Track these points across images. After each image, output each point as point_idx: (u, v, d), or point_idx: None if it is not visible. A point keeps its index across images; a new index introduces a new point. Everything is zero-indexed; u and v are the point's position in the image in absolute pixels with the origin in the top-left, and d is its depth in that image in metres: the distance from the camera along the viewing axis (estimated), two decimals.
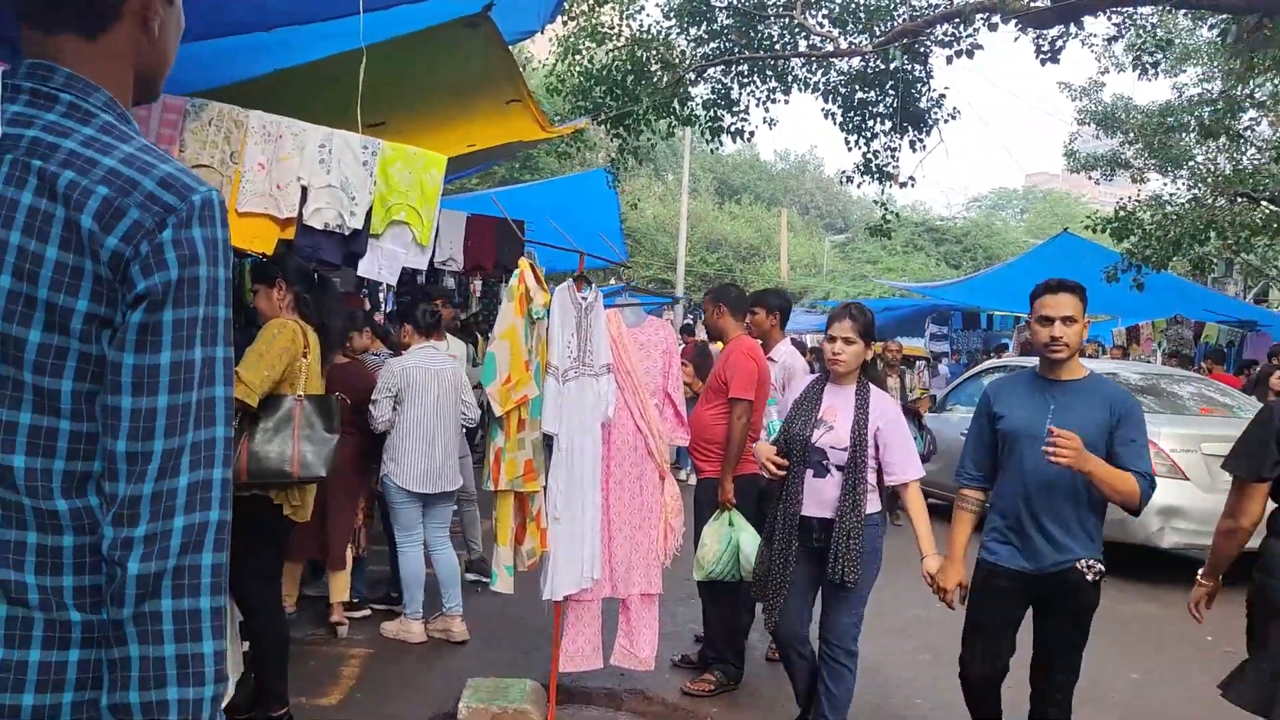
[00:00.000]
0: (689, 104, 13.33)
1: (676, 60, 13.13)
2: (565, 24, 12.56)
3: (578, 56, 12.62)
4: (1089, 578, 3.10)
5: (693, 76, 13.07)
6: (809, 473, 3.59)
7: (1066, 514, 3.12)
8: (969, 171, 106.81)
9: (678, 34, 13.40)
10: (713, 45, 13.19)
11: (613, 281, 26.94)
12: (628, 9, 12.58)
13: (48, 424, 1.07)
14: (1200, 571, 3.18)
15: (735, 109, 13.51)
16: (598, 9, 12.50)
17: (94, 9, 1.15)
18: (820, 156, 47.60)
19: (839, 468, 3.55)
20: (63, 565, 1.07)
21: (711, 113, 13.48)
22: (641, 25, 12.73)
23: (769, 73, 13.29)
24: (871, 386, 3.70)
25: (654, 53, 12.79)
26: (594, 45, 12.68)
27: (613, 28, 12.61)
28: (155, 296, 1.06)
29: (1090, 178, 22.94)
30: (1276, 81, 12.96)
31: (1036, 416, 3.16)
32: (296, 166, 3.42)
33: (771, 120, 13.79)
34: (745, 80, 13.42)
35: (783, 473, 3.59)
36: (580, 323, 3.71)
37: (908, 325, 22.86)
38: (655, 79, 12.66)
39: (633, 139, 12.92)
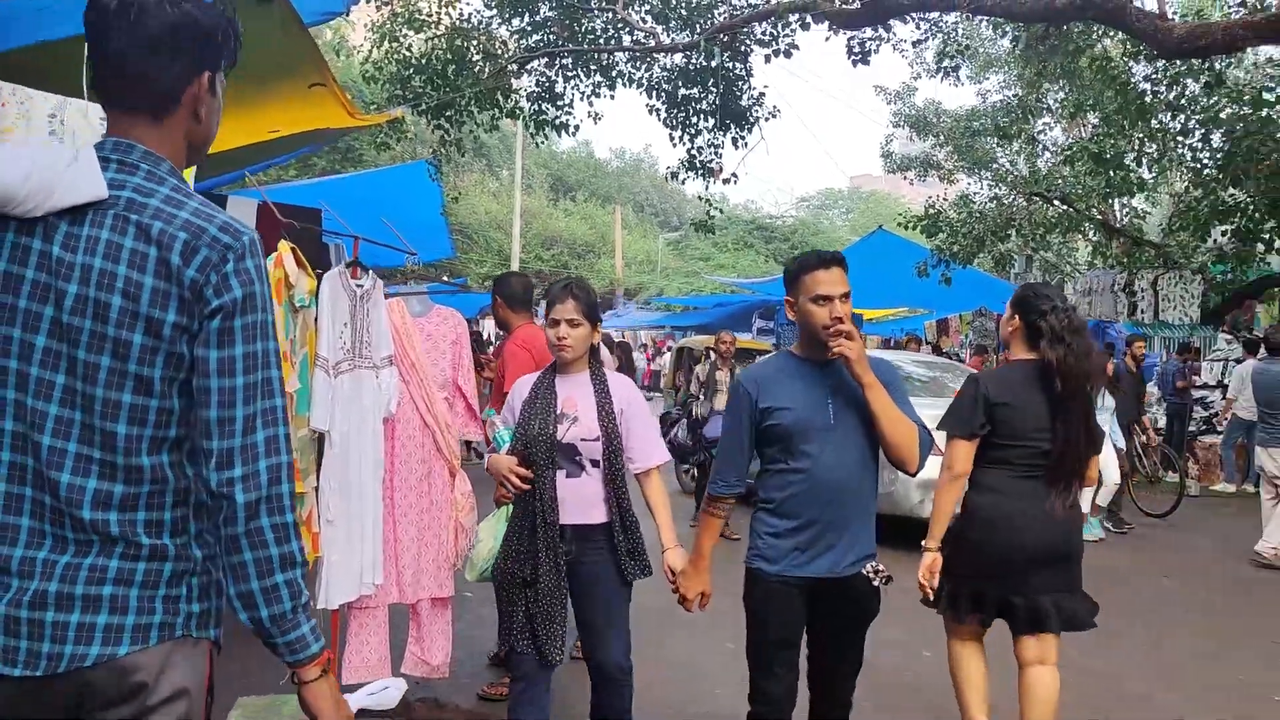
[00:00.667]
0: (513, 96, 13.11)
1: (499, 51, 12.90)
2: (380, 9, 12.09)
3: (395, 44, 12.18)
4: (875, 583, 2.92)
5: (515, 68, 12.87)
6: (561, 474, 3.15)
7: (854, 517, 2.90)
8: (799, 172, 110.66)
9: (500, 24, 13.18)
10: (536, 37, 13.03)
11: (446, 279, 26.39)
12: None
13: (142, 402, 1.50)
14: (924, 541, 3.43)
15: (559, 102, 13.39)
16: None
17: (160, 99, 1.57)
18: (655, 155, 48.22)
19: (594, 462, 3.18)
20: (138, 505, 1.51)
21: (535, 106, 13.31)
22: (462, 14, 12.41)
23: (593, 66, 13.24)
24: (606, 370, 3.36)
25: (475, 43, 12.51)
26: (412, 33, 12.28)
27: (431, 15, 12.24)
28: (227, 309, 1.50)
29: (906, 178, 24.01)
30: (1065, 89, 13.84)
31: (819, 409, 2.85)
32: (22, 140, 3.04)
33: (596, 114, 13.74)
34: (569, 74, 13.32)
35: (527, 485, 3.13)
36: (355, 312, 3.47)
37: (738, 320, 23.32)
38: (477, 69, 12.39)
39: (455, 130, 12.61)
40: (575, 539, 3.15)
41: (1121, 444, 9.14)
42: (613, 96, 13.79)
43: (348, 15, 7.93)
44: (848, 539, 2.89)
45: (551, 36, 12.73)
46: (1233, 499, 11.01)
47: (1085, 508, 7.90)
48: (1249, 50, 14.60)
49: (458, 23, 12.34)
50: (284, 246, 3.26)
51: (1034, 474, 3.33)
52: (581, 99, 13.43)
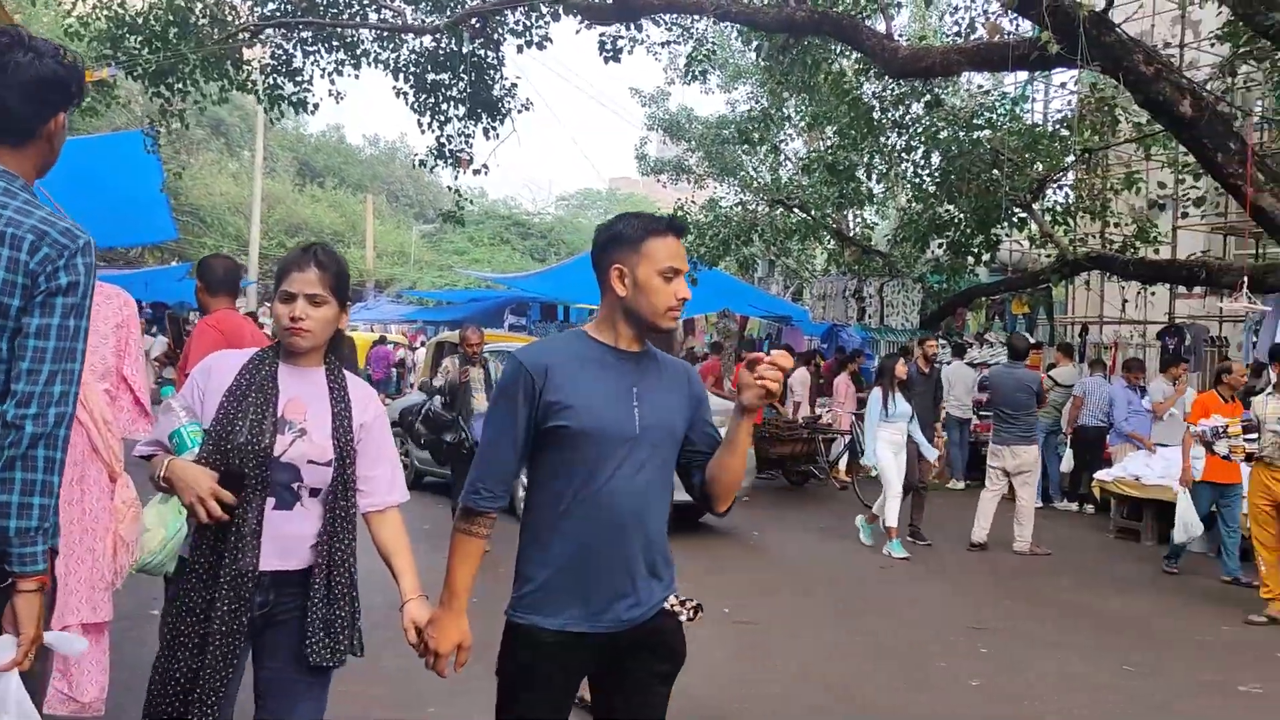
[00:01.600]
0: (245, 68, 12.11)
1: (228, 17, 11.88)
2: None
3: None
4: (684, 618, 2.32)
5: (247, 37, 11.90)
6: (269, 503, 2.34)
7: (655, 546, 2.27)
8: (561, 171, 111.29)
9: None
10: (272, 5, 12.10)
11: (175, 263, 24.27)
12: None
13: None
14: None
15: (298, 78, 12.52)
16: None
17: (23, 133, 2.00)
18: (411, 144, 46.72)
19: (314, 492, 2.40)
20: None
21: (270, 80, 12.37)
22: None
23: (335, 42, 12.46)
24: (345, 371, 2.54)
25: (201, 4, 11.45)
26: None
27: None
28: (55, 290, 1.92)
29: (660, 181, 24.52)
30: (805, 101, 14.48)
31: (623, 413, 2.21)
32: None
33: (338, 94, 12.93)
34: (309, 48, 12.48)
35: (226, 516, 2.27)
36: None
37: (491, 316, 22.97)
38: (203, 34, 11.34)
39: (178, 100, 11.48)
40: (272, 587, 2.36)
41: (931, 453, 8.93)
42: (357, 76, 13.09)
43: None
44: (645, 574, 2.25)
45: (289, 6, 11.86)
46: (962, 495, 11.85)
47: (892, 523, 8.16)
48: (965, 77, 15.92)
49: None
50: None
51: None
52: (322, 76, 12.62)
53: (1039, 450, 9.17)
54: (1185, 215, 12.65)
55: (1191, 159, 10.38)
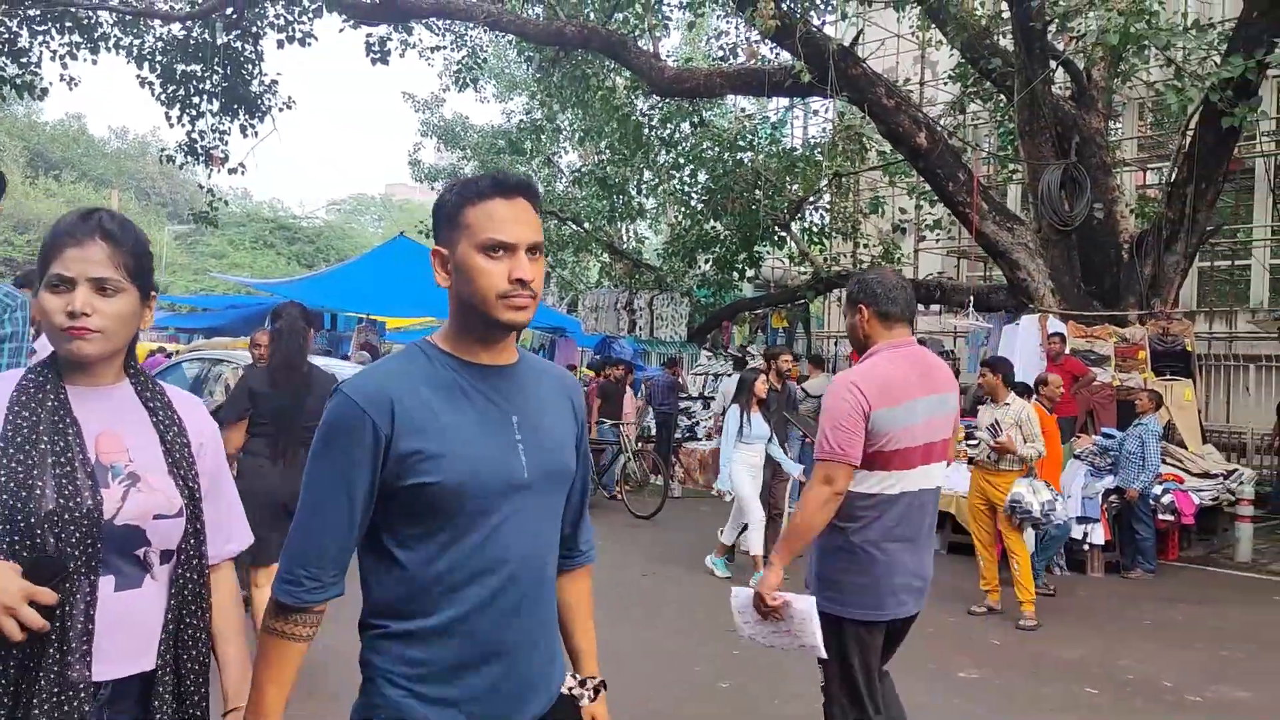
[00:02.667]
0: None
1: None
2: None
3: None
4: (584, 702, 1.86)
5: None
6: (105, 584, 1.61)
7: (547, 619, 1.74)
8: (334, 175, 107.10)
9: None
10: None
11: None
12: None
13: None
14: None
15: (24, 59, 11.38)
16: None
17: None
18: (164, 138, 43.45)
19: (167, 556, 1.69)
20: None
21: None
22: None
23: (69, 24, 11.43)
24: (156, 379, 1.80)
25: None
26: None
27: None
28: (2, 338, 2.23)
29: (434, 189, 24.08)
30: (579, 115, 14.67)
31: (504, 452, 1.63)
32: None
33: (72, 79, 11.84)
34: (37, 28, 11.38)
35: (43, 621, 1.50)
36: None
37: (253, 324, 21.68)
38: None
39: None
40: (111, 701, 1.63)
41: (794, 468, 8.07)
42: (94, 62, 12.02)
43: None
44: (542, 657, 1.72)
45: None
46: (710, 498, 12.26)
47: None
48: (732, 101, 16.63)
49: None
50: None
51: None
52: (53, 59, 11.55)
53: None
54: (923, 239, 13.75)
55: (928, 187, 11.30)
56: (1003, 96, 10.92)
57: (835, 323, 17.69)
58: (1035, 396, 7.46)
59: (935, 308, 13.53)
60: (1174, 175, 9.91)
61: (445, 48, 12.88)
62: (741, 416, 7.48)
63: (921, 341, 11.41)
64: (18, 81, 11.21)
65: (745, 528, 7.59)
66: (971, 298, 10.10)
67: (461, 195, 1.63)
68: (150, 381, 1.77)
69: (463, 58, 12.86)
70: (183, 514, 1.69)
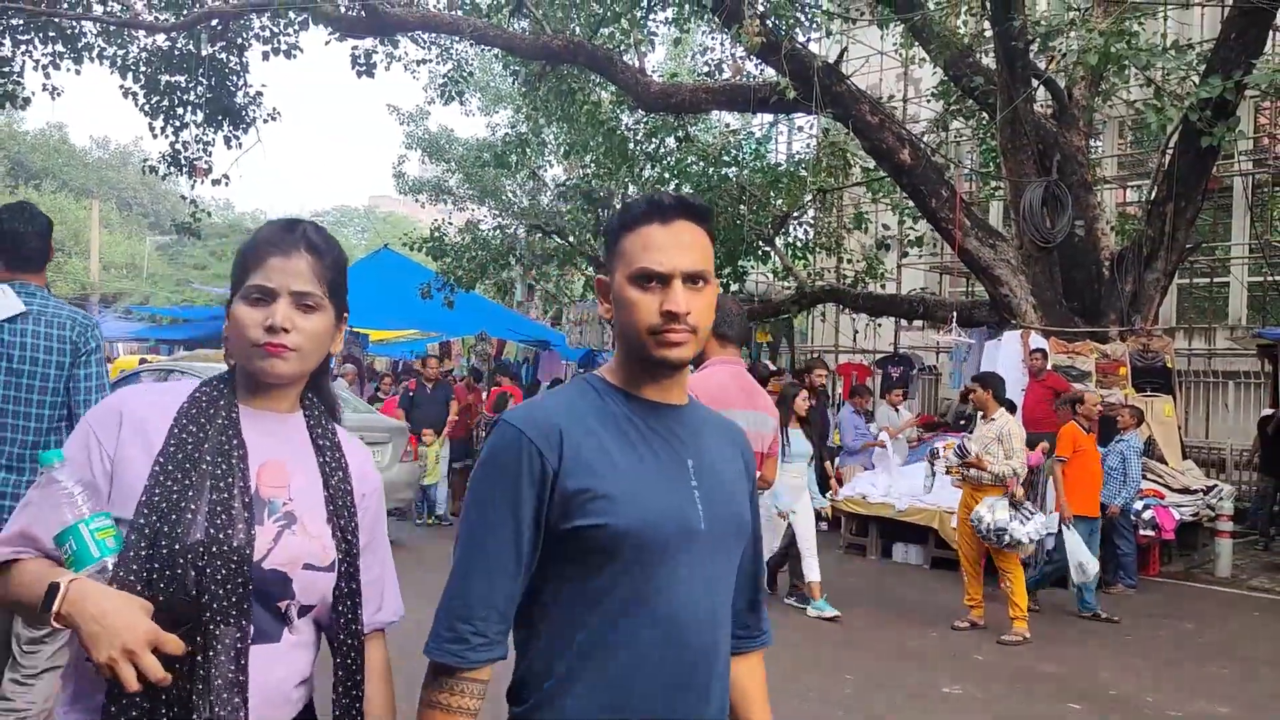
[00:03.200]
0: None
1: None
2: None
3: None
4: None
5: None
6: (244, 636, 1.40)
7: (720, 687, 1.52)
8: (317, 186, 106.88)
9: None
10: None
11: None
12: None
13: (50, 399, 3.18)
14: None
15: (6, 69, 11.31)
16: None
17: (43, 260, 3.24)
18: (147, 149, 43.25)
19: (305, 611, 1.49)
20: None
21: None
22: None
23: (52, 33, 11.37)
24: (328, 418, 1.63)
25: None
26: None
27: None
28: (88, 353, 3.20)
29: (419, 201, 24.05)
30: (565, 129, 14.69)
31: (680, 498, 1.47)
32: None
33: (55, 89, 11.77)
34: (20, 37, 11.31)
35: (164, 673, 1.26)
36: None
37: None
38: None
39: None
40: None
41: (820, 501, 7.72)
42: (78, 72, 11.95)
43: None
44: None
45: None
46: None
47: None
48: (717, 116, 16.70)
49: None
50: None
51: None
52: (36, 69, 11.47)
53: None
54: (906, 255, 13.83)
55: (912, 203, 11.38)
56: (985, 114, 11.02)
57: (819, 337, 17.75)
58: (1073, 416, 7.38)
59: (918, 323, 13.61)
60: (1154, 193, 10.02)
61: (431, 61, 12.88)
62: (782, 434, 6.58)
63: (903, 358, 11.40)
64: (1, 92, 11.13)
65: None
66: (954, 313, 10.15)
67: (620, 220, 1.50)
68: (323, 417, 1.59)
69: (448, 71, 12.87)
70: (334, 568, 1.49)
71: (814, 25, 9.86)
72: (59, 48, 11.50)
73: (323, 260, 1.49)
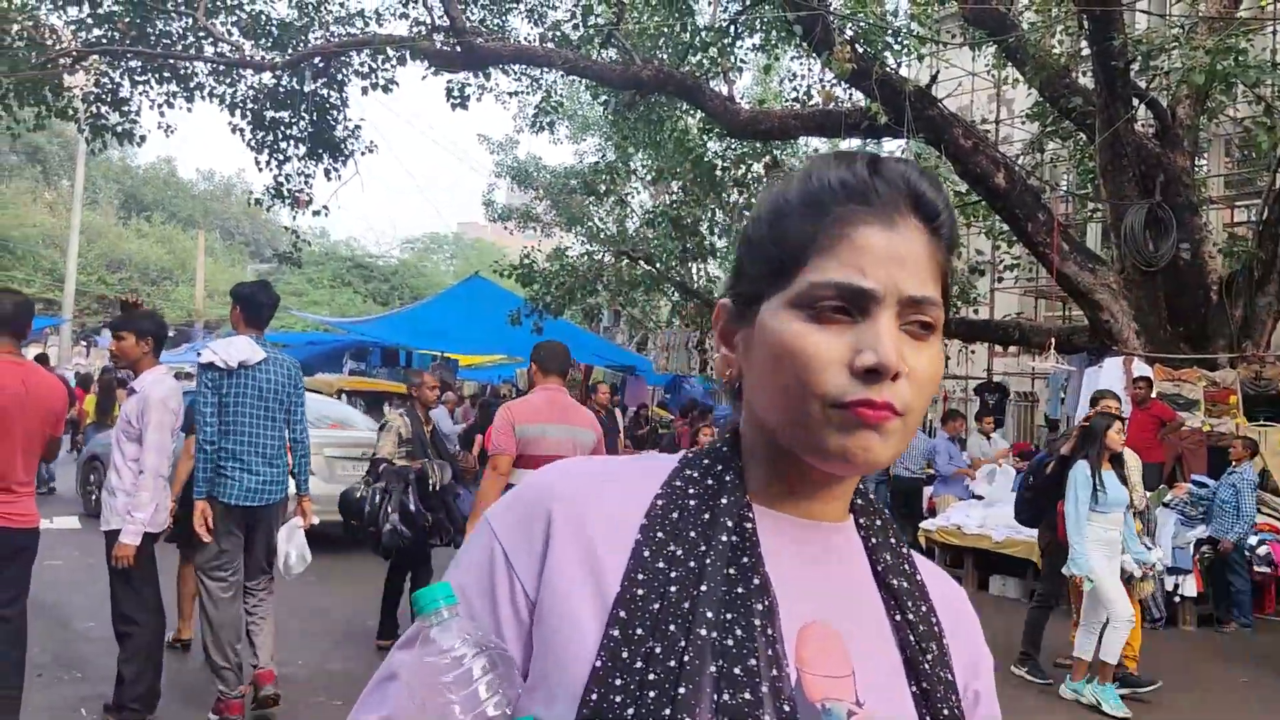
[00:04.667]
0: (65, 94, 11.44)
1: (48, 40, 11.21)
2: None
3: None
4: None
5: (69, 63, 11.24)
6: None
7: None
8: (408, 214, 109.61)
9: (52, 11, 11.48)
10: (98, 32, 11.50)
11: None
12: None
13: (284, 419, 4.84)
14: None
15: (124, 108, 11.92)
16: None
17: (267, 323, 4.78)
18: (249, 180, 45.01)
19: None
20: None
21: (94, 108, 11.72)
22: None
23: (167, 74, 11.95)
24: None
25: (18, 28, 10.76)
26: None
27: None
28: (300, 389, 4.86)
29: (507, 228, 24.52)
30: (651, 156, 14.83)
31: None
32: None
33: (168, 127, 12.36)
34: (138, 78, 11.92)
35: None
36: None
37: (331, 360, 22.23)
38: (18, 57, 10.65)
39: None
40: None
41: (1151, 555, 6.47)
42: (189, 110, 12.54)
43: None
44: None
45: (116, 34, 11.29)
46: None
47: None
48: (803, 140, 16.65)
49: None
50: None
51: None
52: (151, 107, 12.08)
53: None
54: (1001, 280, 13.54)
55: (1006, 227, 11.15)
56: (1082, 135, 10.76)
57: None
58: None
59: (1012, 349, 13.29)
60: (1264, 214, 9.63)
61: (523, 92, 13.15)
62: (1093, 476, 5.66)
63: (998, 385, 11.25)
64: (119, 130, 11.73)
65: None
66: (1053, 339, 9.89)
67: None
68: (887, 528, 0.87)
69: (539, 101, 13.12)
70: None
71: (905, 50, 9.77)
72: (173, 87, 12.08)
73: (940, 233, 0.79)
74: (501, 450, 4.48)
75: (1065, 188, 13.63)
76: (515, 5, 12.41)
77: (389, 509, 5.64)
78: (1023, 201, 9.61)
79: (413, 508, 5.66)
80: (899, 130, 8.86)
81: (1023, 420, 15.49)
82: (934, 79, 9.54)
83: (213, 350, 4.37)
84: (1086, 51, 9.83)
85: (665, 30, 11.06)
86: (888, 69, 9.16)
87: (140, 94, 11.97)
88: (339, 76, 12.18)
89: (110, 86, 11.81)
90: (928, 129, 9.19)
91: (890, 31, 9.40)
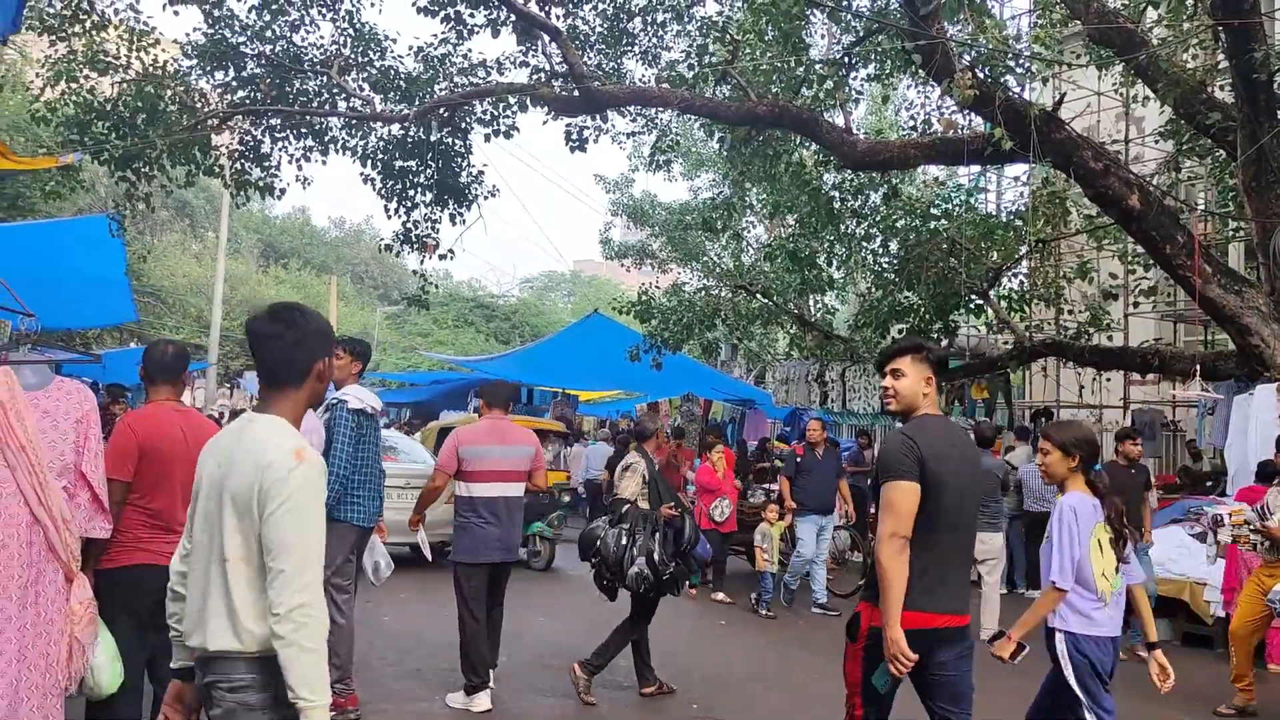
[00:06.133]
0: (212, 153, 12.19)
1: (198, 104, 11.98)
2: (54, 44, 10.86)
3: (74, 84, 10.96)
4: None
5: (216, 123, 12.00)
6: None
7: None
8: (525, 254, 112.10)
9: (201, 76, 12.28)
10: (241, 94, 12.25)
11: (134, 344, 23.98)
12: (139, 42, 11.21)
13: None
14: None
15: (265, 164, 12.62)
16: (98, 34, 10.99)
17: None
18: (377, 226, 46.97)
19: None
20: None
21: (238, 165, 12.46)
22: (156, 60, 11.40)
23: (304, 130, 12.62)
24: None
25: (171, 92, 11.55)
26: (95, 74, 11.13)
27: (119, 58, 11.16)
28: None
29: (623, 265, 24.83)
30: (766, 190, 14.82)
31: None
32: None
33: (305, 179, 13.03)
34: (277, 134, 12.61)
35: None
36: None
37: (455, 398, 22.85)
38: (172, 120, 11.41)
39: (143, 184, 11.51)
40: None
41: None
42: (324, 162, 13.20)
43: (4, 43, 7.01)
44: None
45: (258, 95, 12.00)
46: None
47: None
48: (920, 168, 16.38)
49: (151, 69, 11.33)
50: None
51: None
52: (290, 162, 12.75)
53: (1004, 537, 9.23)
54: (1136, 305, 12.98)
55: (1141, 250, 10.70)
56: (1222, 151, 10.28)
57: (1039, 392, 16.87)
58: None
59: (1151, 377, 12.69)
60: None
61: (639, 133, 13.36)
62: None
63: (1147, 414, 10.54)
64: (260, 183, 12.42)
65: None
66: (1197, 366, 9.42)
67: None
68: None
69: (655, 140, 13.30)
70: None
71: (1029, 73, 9.54)
72: (309, 142, 12.74)
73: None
74: (443, 468, 5.78)
75: (1204, 207, 13.01)
76: (630, 48, 12.65)
77: (634, 553, 5.77)
78: (1159, 223, 9.22)
79: (657, 555, 5.80)
80: (1025, 155, 8.64)
81: (1168, 452, 14.74)
82: (1060, 101, 9.29)
83: (359, 398, 5.35)
84: (1224, 65, 9.41)
85: (779, 65, 11.09)
86: (1011, 94, 8.96)
87: (280, 149, 12.65)
88: (463, 125, 12.62)
89: (252, 144, 12.52)
90: (1055, 152, 8.93)
91: (1012, 55, 9.21)
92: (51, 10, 10.97)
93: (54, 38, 10.78)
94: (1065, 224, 12.28)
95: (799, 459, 10.18)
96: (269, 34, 11.82)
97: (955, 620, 3.25)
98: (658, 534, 5.85)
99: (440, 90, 12.47)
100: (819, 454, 10.05)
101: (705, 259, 20.82)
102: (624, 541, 5.79)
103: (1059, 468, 4.05)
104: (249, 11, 11.65)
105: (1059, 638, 3.93)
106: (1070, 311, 13.86)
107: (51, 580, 3.20)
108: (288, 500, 2.22)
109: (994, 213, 14.88)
